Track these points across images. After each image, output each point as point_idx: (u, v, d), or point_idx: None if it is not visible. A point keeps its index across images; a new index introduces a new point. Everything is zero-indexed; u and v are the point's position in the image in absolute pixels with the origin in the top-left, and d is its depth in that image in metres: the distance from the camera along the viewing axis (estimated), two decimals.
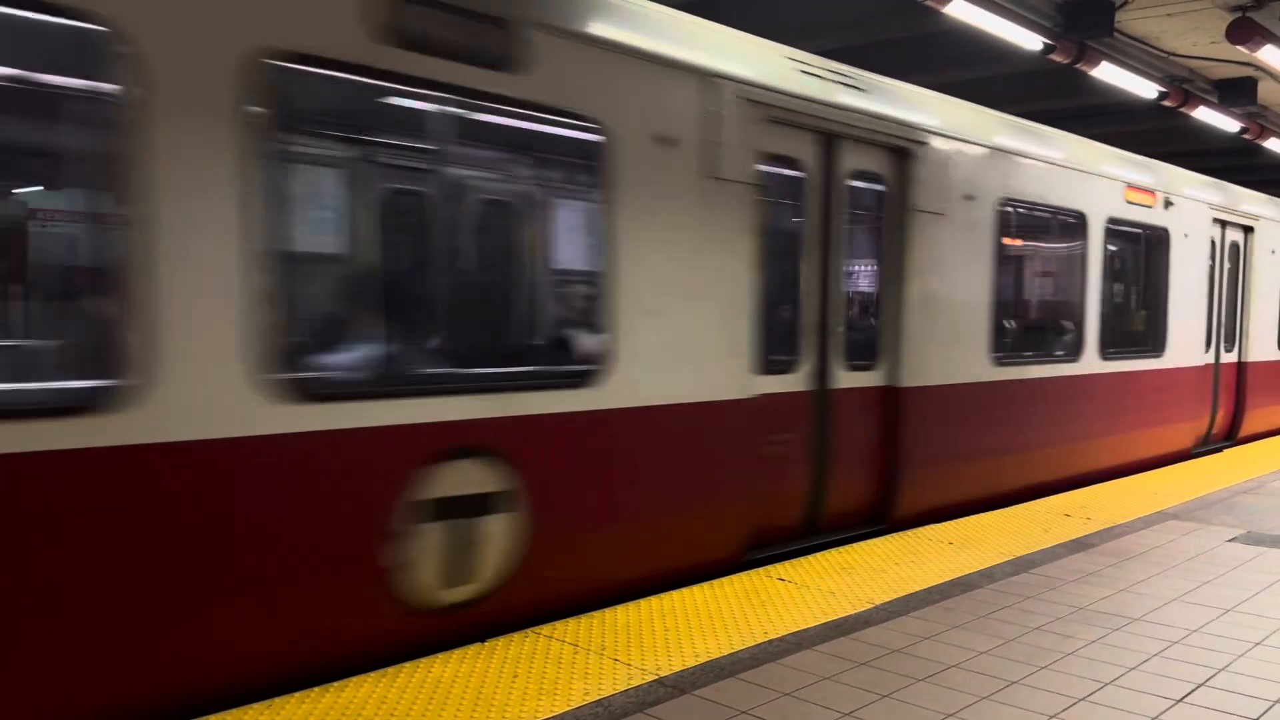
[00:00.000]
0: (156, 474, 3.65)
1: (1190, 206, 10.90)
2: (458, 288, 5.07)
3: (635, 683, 4.09)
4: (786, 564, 5.97)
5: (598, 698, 3.93)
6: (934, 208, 7.19)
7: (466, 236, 5.16)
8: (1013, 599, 5.39)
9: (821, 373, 6.53)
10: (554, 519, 4.89)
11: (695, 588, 5.43)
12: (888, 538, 6.70)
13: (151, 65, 3.59)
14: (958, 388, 7.54)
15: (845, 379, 6.69)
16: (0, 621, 3.39)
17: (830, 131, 6.41)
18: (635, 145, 5.17)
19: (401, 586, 4.34)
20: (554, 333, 5.69)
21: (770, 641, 4.63)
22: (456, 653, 4.38)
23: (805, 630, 4.80)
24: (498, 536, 4.66)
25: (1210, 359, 11.54)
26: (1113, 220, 9.45)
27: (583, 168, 5.18)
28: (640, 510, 5.34)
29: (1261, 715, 3.91)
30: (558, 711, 3.80)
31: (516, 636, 4.59)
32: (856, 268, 7.12)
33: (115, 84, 3.57)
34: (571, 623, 4.80)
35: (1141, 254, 10.62)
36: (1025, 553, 6.38)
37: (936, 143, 7.17)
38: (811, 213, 6.45)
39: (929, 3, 8.58)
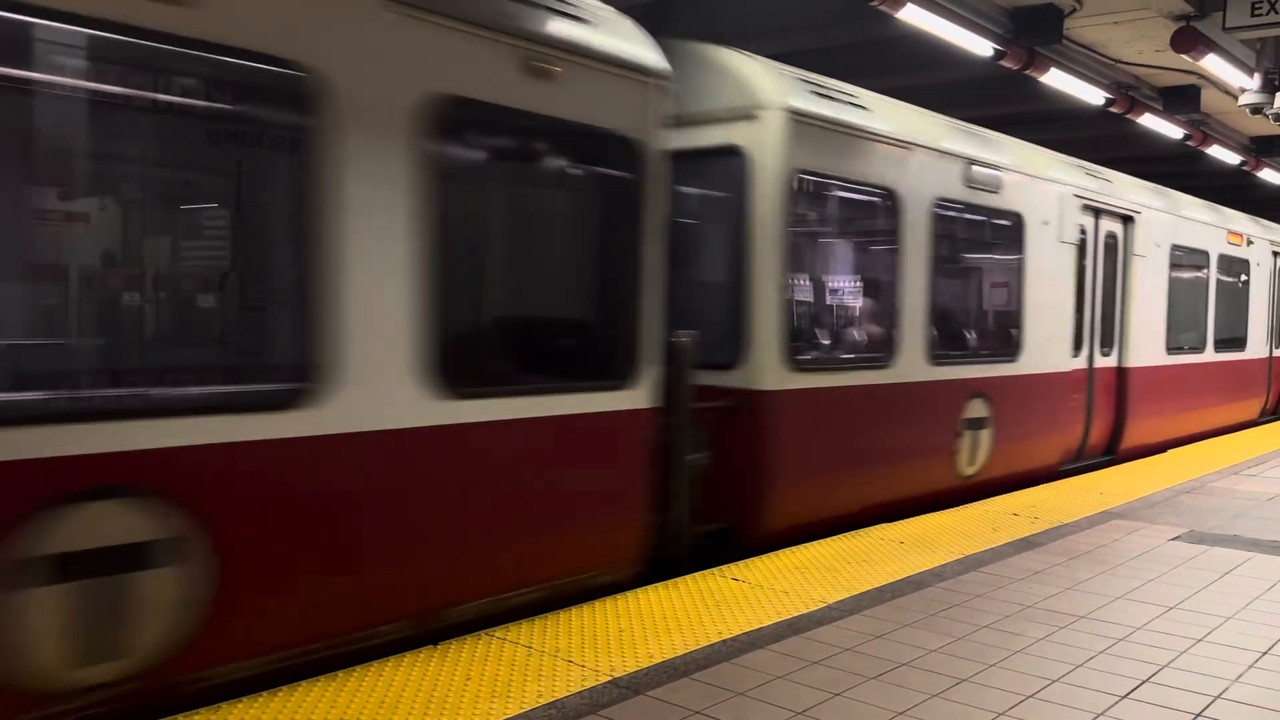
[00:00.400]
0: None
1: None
2: None
3: (589, 684, 4.08)
4: (741, 564, 5.99)
5: (551, 700, 3.92)
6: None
7: None
8: (962, 597, 5.46)
9: None
10: None
11: (650, 588, 5.44)
12: (840, 537, 6.76)
13: None
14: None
15: None
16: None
17: None
18: None
19: None
20: None
21: (724, 641, 4.65)
22: (409, 655, 4.34)
23: (759, 630, 4.82)
24: None
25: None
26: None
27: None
28: None
29: (1204, 710, 3.99)
30: (511, 714, 3.78)
31: (470, 639, 4.57)
32: None
33: None
34: (525, 624, 4.78)
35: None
36: (974, 552, 6.46)
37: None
38: None
39: (883, 7, 8.66)
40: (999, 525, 7.26)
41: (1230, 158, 17.23)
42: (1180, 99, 14.19)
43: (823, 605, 5.24)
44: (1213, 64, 11.03)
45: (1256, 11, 9.36)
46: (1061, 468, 10.06)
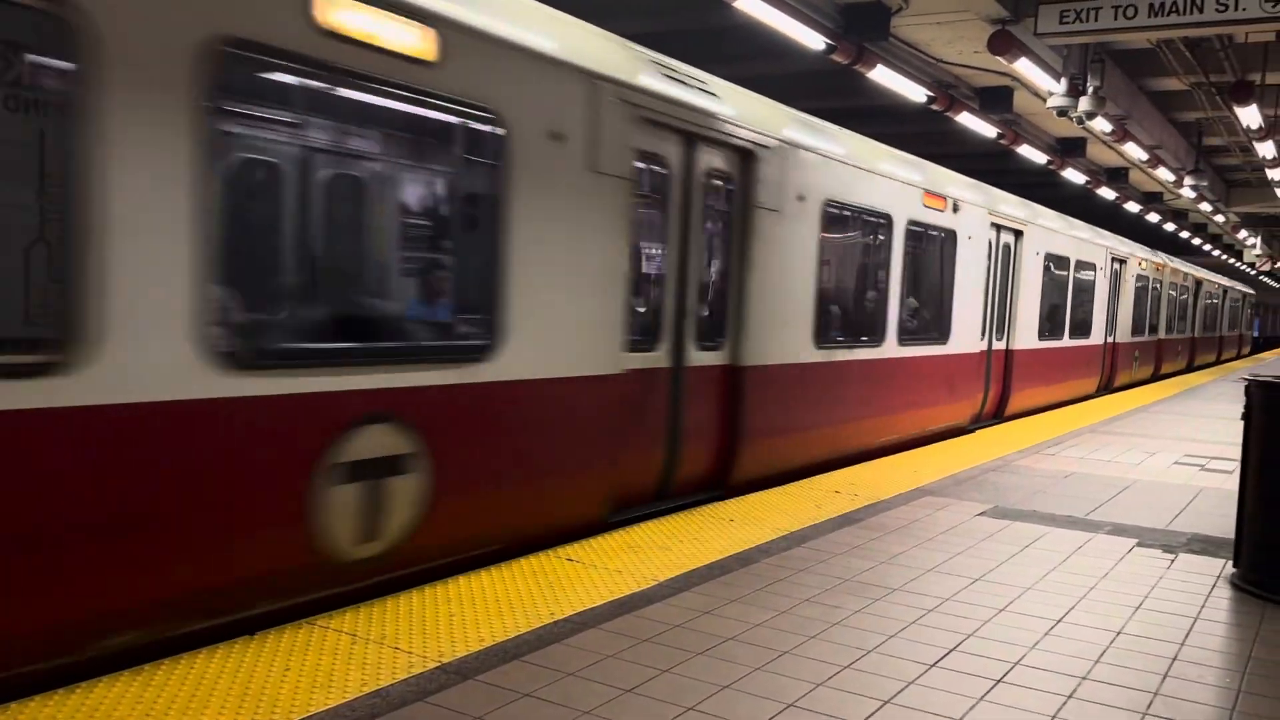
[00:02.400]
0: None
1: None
2: None
3: (415, 671, 4.00)
4: (575, 545, 6.00)
5: (375, 688, 3.82)
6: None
7: None
8: (786, 572, 5.64)
9: None
10: None
11: (482, 571, 5.37)
12: (672, 516, 6.86)
13: None
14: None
15: None
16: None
17: None
18: None
19: None
20: None
21: (556, 622, 4.64)
22: (222, 646, 4.14)
23: (591, 609, 4.84)
24: None
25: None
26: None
27: None
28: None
29: (1004, 675, 4.26)
30: (332, 704, 3.66)
31: (289, 627, 4.40)
32: None
33: None
34: (350, 612, 4.64)
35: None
36: (798, 528, 6.69)
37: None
38: None
39: None
40: (822, 502, 7.55)
41: (1038, 157, 18.41)
42: (995, 99, 15.06)
43: (654, 583, 5.31)
44: (1025, 67, 11.73)
45: (1064, 19, 10.01)
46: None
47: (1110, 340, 19.70)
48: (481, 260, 5.61)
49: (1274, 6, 8.79)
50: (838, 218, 9.35)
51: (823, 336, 9.04)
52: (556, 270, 6.06)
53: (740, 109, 7.79)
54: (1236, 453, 10.84)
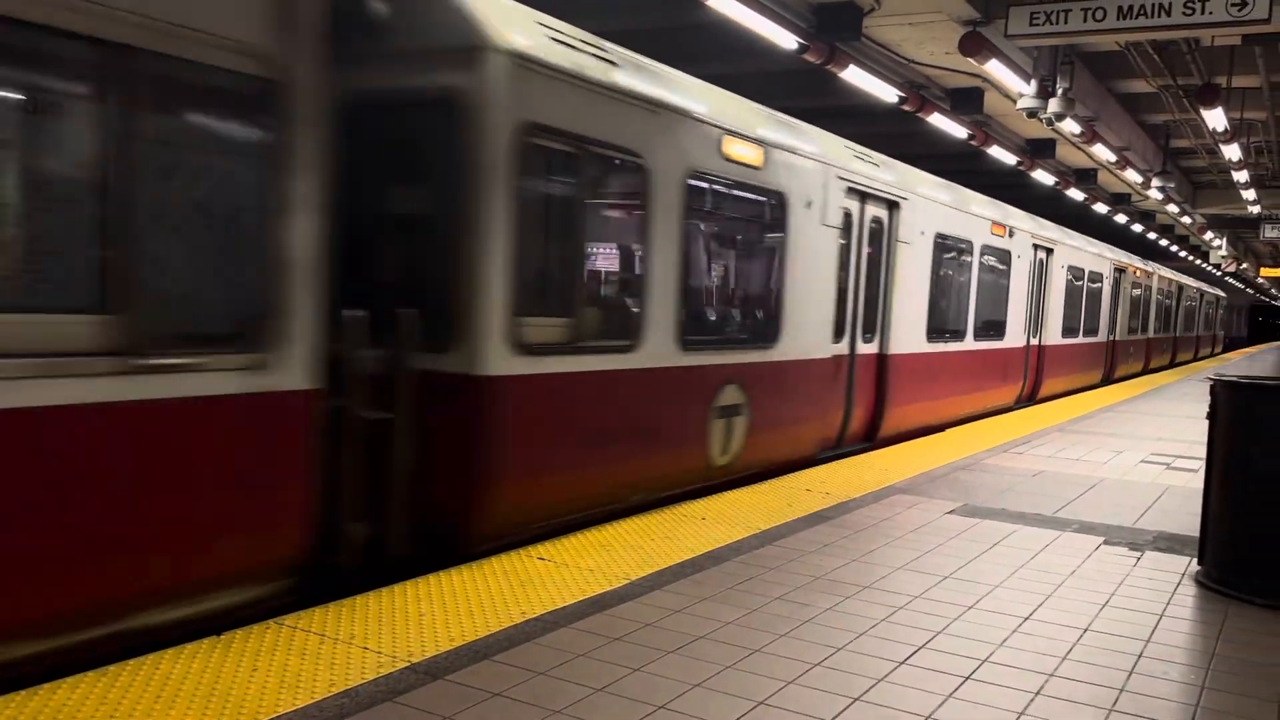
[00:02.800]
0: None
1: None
2: None
3: (385, 671, 3.97)
4: (546, 544, 5.99)
5: (344, 688, 3.79)
6: None
7: None
8: (757, 570, 5.65)
9: None
10: None
11: (454, 570, 5.35)
12: (646, 515, 6.87)
13: None
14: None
15: None
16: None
17: None
18: None
19: None
20: None
21: (528, 621, 4.63)
22: (189, 647, 4.09)
23: (562, 608, 4.83)
24: None
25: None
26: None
27: None
28: None
29: (973, 672, 4.29)
30: (300, 705, 3.63)
31: (256, 628, 4.35)
32: None
33: None
34: (318, 612, 4.60)
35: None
36: (769, 526, 6.71)
37: None
38: None
39: None
40: (793, 501, 7.57)
41: (1008, 158, 18.57)
42: (966, 100, 15.17)
43: (626, 582, 5.30)
44: (995, 68, 11.82)
45: (1034, 21, 10.09)
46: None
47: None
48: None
49: (1239, 10, 8.91)
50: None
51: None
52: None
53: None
54: (1202, 451, 11.00)
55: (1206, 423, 6.03)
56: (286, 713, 3.56)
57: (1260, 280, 53.64)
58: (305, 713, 3.57)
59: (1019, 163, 19.09)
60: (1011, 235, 14.92)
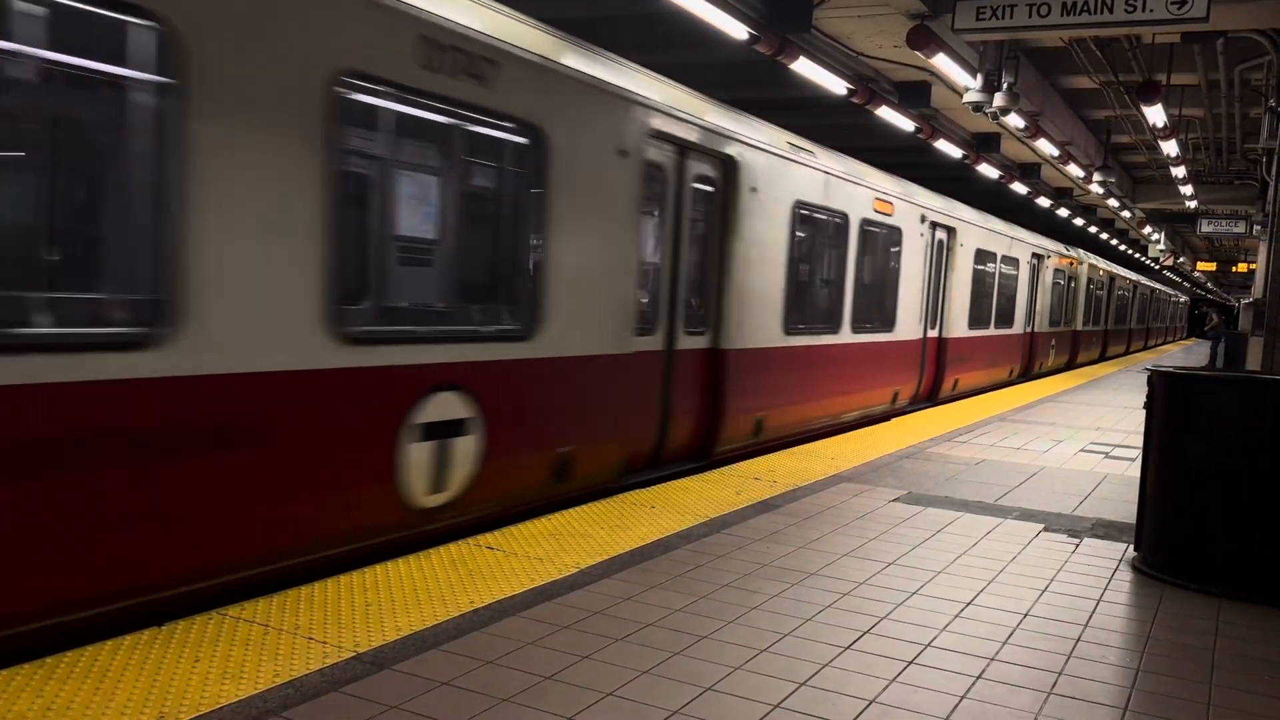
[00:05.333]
0: None
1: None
2: None
3: (330, 661, 3.94)
4: (495, 533, 5.96)
5: (289, 679, 3.74)
6: None
7: None
8: (707, 558, 5.69)
9: None
10: None
11: (400, 560, 5.31)
12: (597, 502, 6.87)
13: None
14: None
15: None
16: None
17: None
18: None
19: None
20: None
21: (476, 611, 4.61)
22: (129, 638, 4.02)
23: (511, 597, 4.82)
24: None
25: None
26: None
27: None
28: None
29: (916, 657, 4.36)
30: (244, 695, 3.59)
31: (199, 618, 4.29)
32: None
33: None
34: (262, 602, 4.54)
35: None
36: (719, 514, 6.75)
37: None
38: None
39: None
40: (742, 489, 7.62)
41: (954, 151, 18.80)
42: (914, 94, 15.32)
43: (575, 570, 5.30)
44: (942, 62, 11.95)
45: (981, 16, 10.21)
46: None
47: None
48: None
49: (1179, 9, 9.10)
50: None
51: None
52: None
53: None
54: (1139, 441, 11.27)
55: (1144, 413, 6.18)
56: (230, 703, 3.52)
57: (1197, 274, 55.00)
58: (249, 703, 3.53)
59: (964, 156, 19.35)
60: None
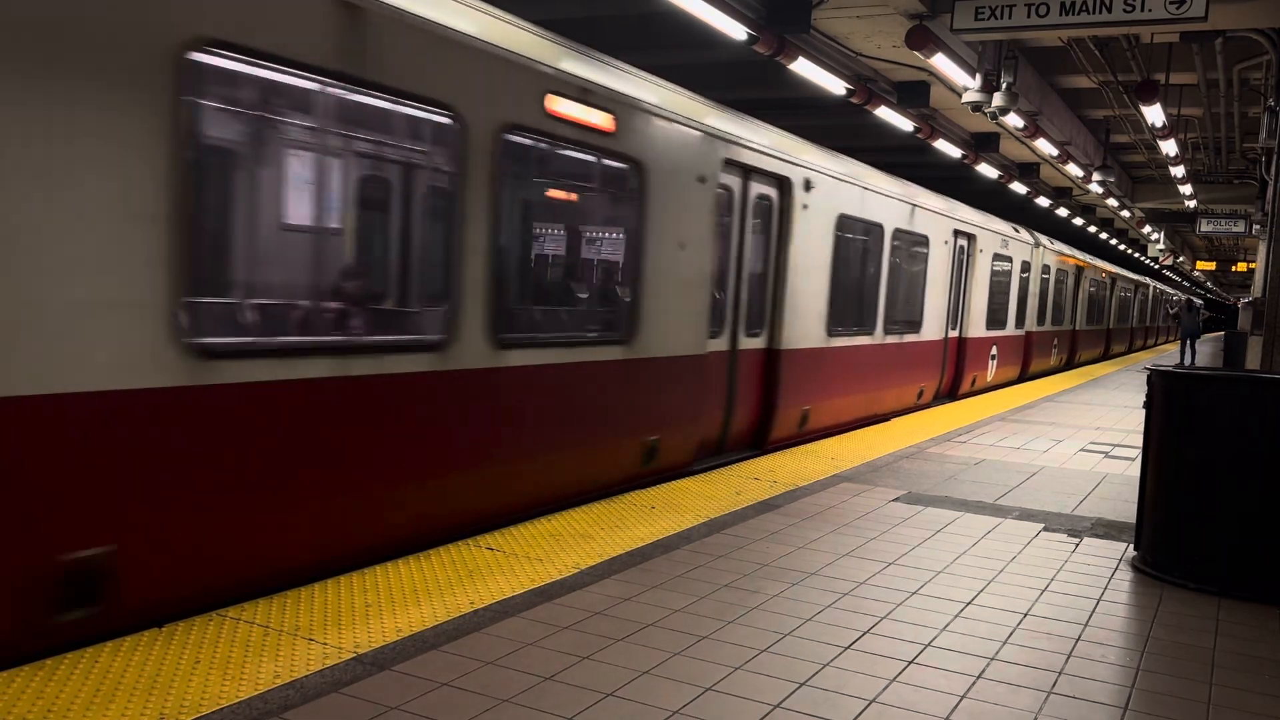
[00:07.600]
0: None
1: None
2: None
3: (331, 662, 3.94)
4: (495, 533, 5.97)
5: (289, 680, 3.74)
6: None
7: None
8: (706, 559, 5.69)
9: None
10: None
11: (400, 560, 5.31)
12: (597, 504, 6.87)
13: None
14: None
15: None
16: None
17: None
18: None
19: None
20: None
21: (476, 611, 4.61)
22: (129, 639, 4.02)
23: (511, 598, 4.82)
24: None
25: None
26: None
27: None
28: None
29: (916, 657, 4.36)
30: (244, 696, 3.59)
31: (199, 620, 4.29)
32: None
33: None
34: (262, 603, 4.54)
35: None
36: (718, 515, 6.75)
37: None
38: None
39: None
40: (742, 489, 7.62)
41: (953, 151, 18.80)
42: (912, 94, 15.31)
43: (575, 571, 5.30)
44: (941, 62, 11.94)
45: (980, 16, 10.21)
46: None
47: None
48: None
49: (1177, 9, 9.10)
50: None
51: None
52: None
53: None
54: (1138, 440, 11.27)
55: (1143, 412, 6.18)
56: (230, 704, 3.52)
57: (1196, 274, 55.01)
58: (249, 705, 3.53)
59: (963, 156, 19.35)
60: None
